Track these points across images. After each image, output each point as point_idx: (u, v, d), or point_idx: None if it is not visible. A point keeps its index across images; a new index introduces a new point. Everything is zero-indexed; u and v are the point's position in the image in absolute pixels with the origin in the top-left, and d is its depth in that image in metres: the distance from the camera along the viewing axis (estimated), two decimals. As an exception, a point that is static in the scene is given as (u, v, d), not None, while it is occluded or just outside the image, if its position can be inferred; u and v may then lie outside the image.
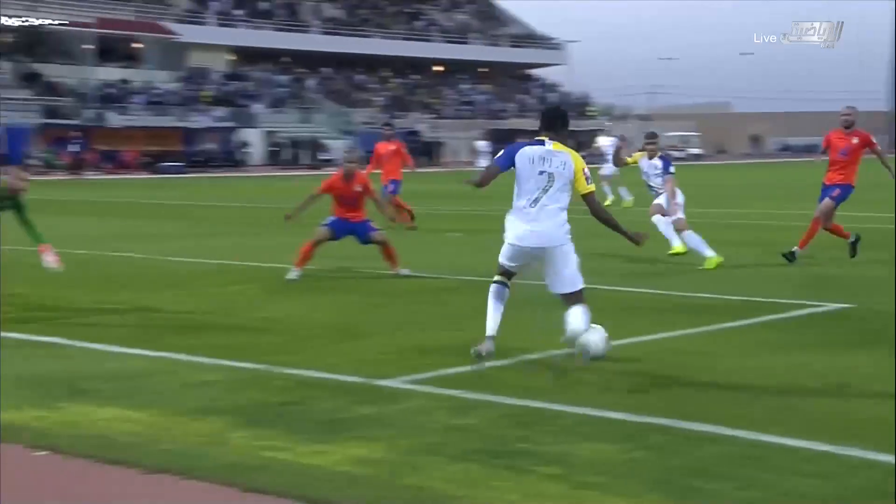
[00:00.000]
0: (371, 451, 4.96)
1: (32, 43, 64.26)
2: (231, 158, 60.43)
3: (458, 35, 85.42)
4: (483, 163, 45.87)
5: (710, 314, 8.97)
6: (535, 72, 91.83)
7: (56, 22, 62.26)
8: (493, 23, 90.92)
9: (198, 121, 62.28)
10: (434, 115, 75.32)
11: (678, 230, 12.81)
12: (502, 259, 7.09)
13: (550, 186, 6.90)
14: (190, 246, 15.36)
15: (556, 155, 6.97)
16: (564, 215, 6.96)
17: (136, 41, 68.28)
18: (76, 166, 45.52)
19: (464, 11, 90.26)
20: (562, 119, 7.17)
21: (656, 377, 6.52)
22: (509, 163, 7.01)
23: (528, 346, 7.42)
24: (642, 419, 5.47)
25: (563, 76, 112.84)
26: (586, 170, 6.99)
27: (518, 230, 6.94)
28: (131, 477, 4.62)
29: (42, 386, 6.28)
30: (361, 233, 11.60)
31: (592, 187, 7.02)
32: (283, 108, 69.00)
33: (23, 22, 61.76)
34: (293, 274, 11.24)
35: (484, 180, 7.06)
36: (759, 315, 8.87)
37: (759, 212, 22.47)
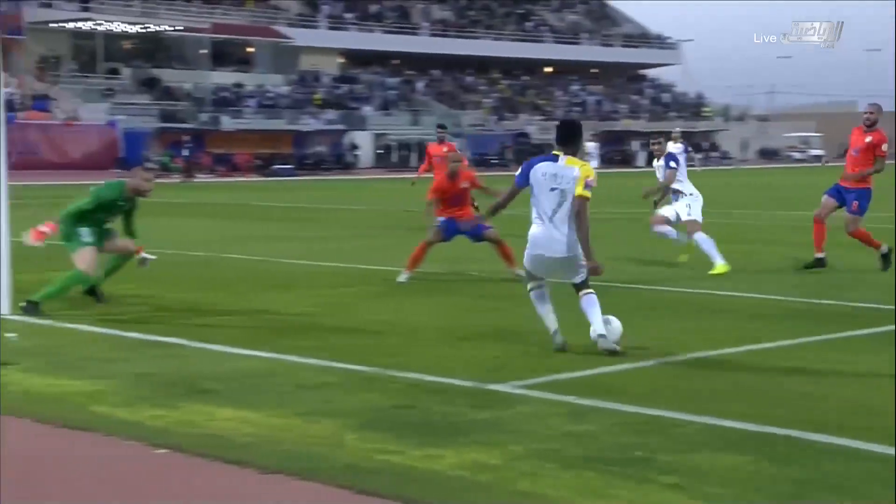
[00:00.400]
0: (485, 456, 4.95)
1: (151, 49, 66.32)
2: (341, 161, 61.24)
3: (569, 35, 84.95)
4: (593, 164, 45.46)
5: (835, 322, 8.70)
6: (647, 72, 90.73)
7: (173, 28, 64.08)
8: (605, 22, 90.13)
9: (308, 123, 63.26)
10: (544, 117, 74.99)
11: (690, 232, 12.58)
12: (528, 267, 7.60)
13: (563, 202, 7.36)
14: (301, 248, 15.60)
15: (567, 171, 7.38)
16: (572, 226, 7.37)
17: (249, 45, 69.83)
18: (188, 170, 46.72)
19: (575, 11, 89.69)
20: (576, 133, 7.61)
21: (778, 386, 6.35)
22: (525, 180, 7.47)
23: (644, 352, 7.31)
24: (765, 429, 5.32)
25: (676, 76, 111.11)
26: (590, 179, 7.35)
27: (537, 242, 7.44)
28: (248, 476, 4.70)
29: (161, 385, 6.44)
30: (474, 232, 11.51)
31: (587, 193, 7.34)
32: (393, 111, 69.68)
33: (142, 28, 63.76)
34: (403, 277, 11.31)
35: (504, 202, 7.69)
36: (886, 324, 8.57)
37: (884, 215, 21.64)
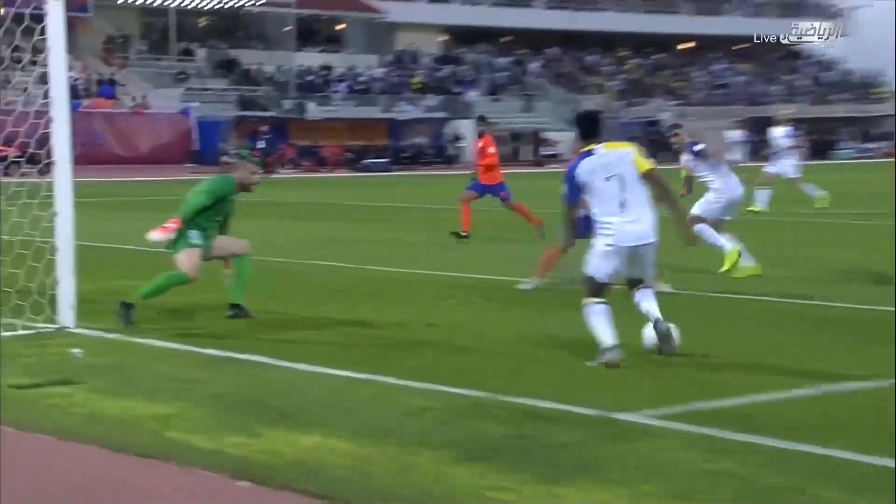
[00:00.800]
0: (611, 496, 4.94)
1: (229, 27, 67.75)
2: (442, 154, 61.46)
3: (711, 5, 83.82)
4: (736, 157, 44.72)
5: None
6: (807, 47, 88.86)
7: (253, 3, 65.27)
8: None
9: (406, 111, 63.80)
10: (680, 101, 74.22)
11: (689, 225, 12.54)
12: (595, 272, 7.93)
13: (626, 185, 7.88)
14: (396, 253, 15.76)
15: (613, 155, 7.96)
16: (650, 209, 7.95)
17: (339, 22, 70.74)
18: (268, 164, 47.21)
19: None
20: (599, 121, 8.28)
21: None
22: (577, 191, 8.05)
23: (797, 378, 7.20)
24: (946, 472, 5.20)
25: (845, 50, 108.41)
26: (642, 153, 8.01)
27: (615, 232, 7.86)
28: (339, 514, 4.79)
29: (242, 409, 6.59)
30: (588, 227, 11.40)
31: (653, 164, 7.99)
32: (502, 96, 69.83)
33: (219, 4, 65.14)
34: (527, 284, 11.34)
35: (569, 222, 8.54)
36: None
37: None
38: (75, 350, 8.30)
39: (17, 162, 10.80)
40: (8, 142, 9.89)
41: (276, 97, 62.26)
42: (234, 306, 9.81)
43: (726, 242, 12.47)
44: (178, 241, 9.53)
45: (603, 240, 7.93)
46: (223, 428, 6.16)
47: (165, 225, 9.63)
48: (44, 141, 9.46)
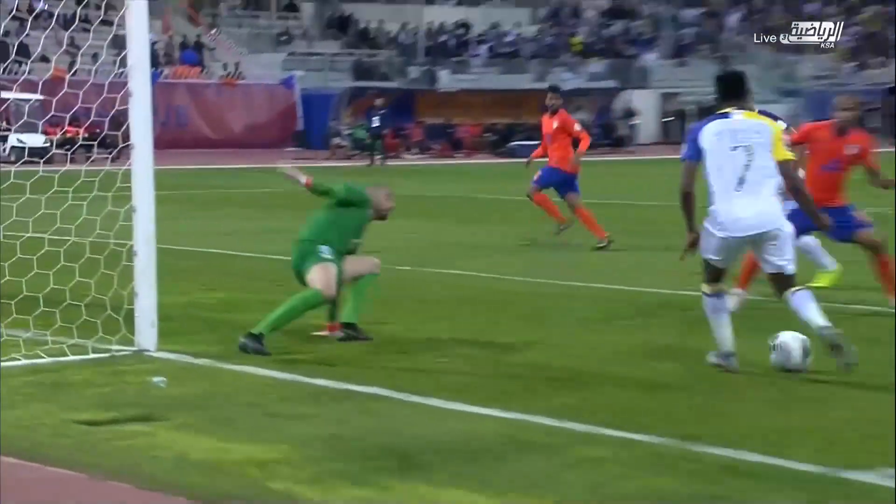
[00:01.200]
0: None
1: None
2: (610, 134, 61.07)
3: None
4: None
5: None
6: None
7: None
8: None
9: (564, 80, 63.59)
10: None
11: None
12: (709, 255, 8.68)
13: (752, 161, 8.49)
14: (554, 261, 15.73)
15: (746, 123, 8.63)
16: (775, 189, 8.60)
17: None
18: (386, 147, 47.13)
19: None
20: (745, 84, 8.90)
21: None
22: (698, 150, 8.64)
23: None
24: None
25: None
26: (786, 137, 8.82)
27: (726, 218, 8.51)
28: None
29: (360, 454, 6.67)
30: (841, 226, 10.65)
31: (791, 155, 8.79)
32: (689, 59, 69.12)
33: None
34: (731, 301, 11.24)
35: (687, 185, 8.73)
36: None
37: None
38: (157, 378, 8.49)
39: (87, 146, 11.05)
40: (75, 121, 10.13)
41: (401, 64, 62.68)
42: (348, 326, 9.96)
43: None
44: (307, 257, 9.70)
45: (712, 226, 8.60)
46: (338, 478, 6.25)
47: (304, 177, 9.80)
48: (118, 120, 9.71)
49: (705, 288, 8.80)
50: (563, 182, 18.06)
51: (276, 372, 8.85)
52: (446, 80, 61.65)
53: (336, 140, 51.92)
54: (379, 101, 47.24)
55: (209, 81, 56.57)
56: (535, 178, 18.30)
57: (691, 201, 8.77)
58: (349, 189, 10.01)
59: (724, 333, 8.69)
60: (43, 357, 9.09)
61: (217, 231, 19.63)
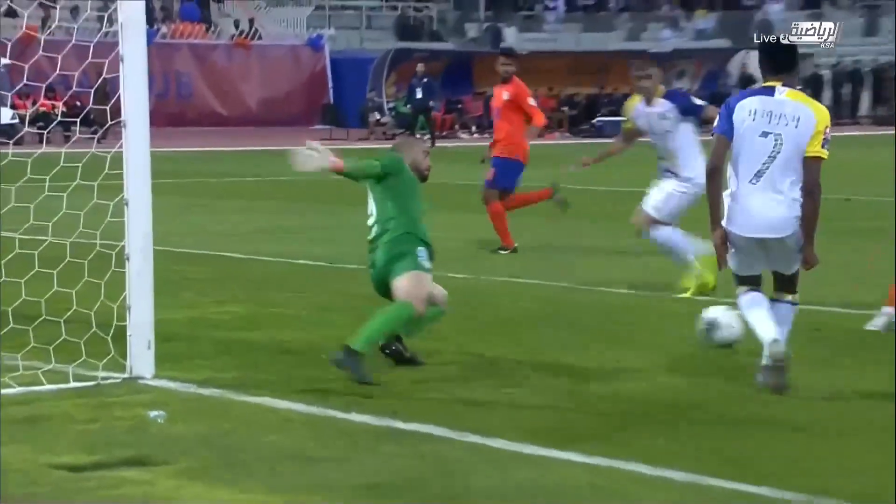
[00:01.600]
0: None
1: None
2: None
3: None
4: None
5: None
6: None
7: None
8: None
9: (665, 39, 63.48)
10: None
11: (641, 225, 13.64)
12: (731, 264, 9.33)
13: (778, 153, 8.97)
14: (634, 264, 15.73)
15: (789, 108, 9.04)
16: (797, 193, 9.04)
17: None
18: (437, 123, 46.95)
19: None
20: (793, 57, 9.36)
21: None
22: (731, 125, 9.14)
23: None
24: None
25: None
26: (829, 131, 9.08)
27: (736, 215, 9.09)
28: None
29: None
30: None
31: (824, 153, 9.07)
32: (826, 11, 68.71)
33: None
34: (879, 321, 11.29)
35: (717, 159, 9.25)
36: None
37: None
38: (155, 413, 8.52)
39: (66, 122, 11.05)
40: (50, 91, 10.14)
41: (456, 20, 62.71)
42: (395, 338, 9.96)
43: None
44: (399, 259, 9.75)
45: (726, 223, 9.19)
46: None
47: (333, 158, 9.72)
48: (105, 91, 9.75)
49: (737, 290, 9.43)
50: (518, 173, 17.76)
51: (301, 405, 8.87)
52: (513, 39, 61.65)
53: (375, 116, 51.87)
54: (420, 67, 46.85)
55: (217, 42, 56.56)
56: (489, 176, 17.70)
57: (718, 179, 9.22)
58: (387, 159, 9.98)
59: (767, 323, 9.12)
60: (12, 386, 9.09)
61: (227, 229, 19.63)
